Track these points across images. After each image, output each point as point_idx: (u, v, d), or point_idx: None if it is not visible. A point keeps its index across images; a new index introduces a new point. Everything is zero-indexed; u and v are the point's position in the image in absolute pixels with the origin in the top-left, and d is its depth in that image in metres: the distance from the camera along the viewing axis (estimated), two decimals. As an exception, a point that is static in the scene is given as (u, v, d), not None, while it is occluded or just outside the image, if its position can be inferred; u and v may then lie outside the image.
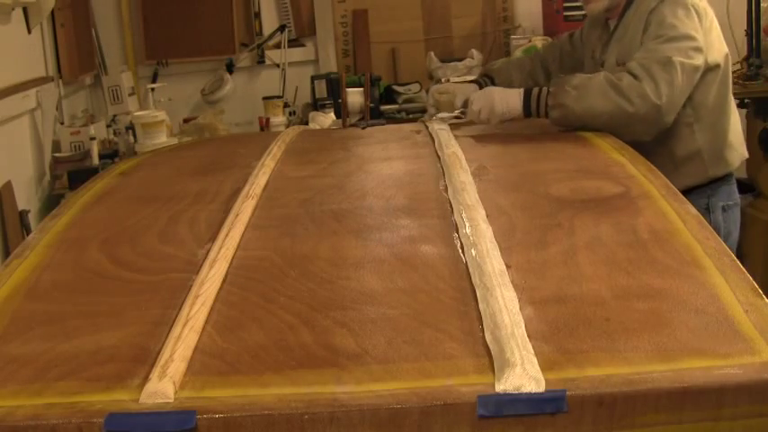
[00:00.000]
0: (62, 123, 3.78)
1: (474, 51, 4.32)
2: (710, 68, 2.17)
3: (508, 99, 2.19)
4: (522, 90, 2.20)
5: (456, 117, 2.44)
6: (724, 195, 2.29)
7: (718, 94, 2.22)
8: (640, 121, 2.03)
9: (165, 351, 1.09)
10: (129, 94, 4.34)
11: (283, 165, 1.96)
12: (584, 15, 2.58)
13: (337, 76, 4.05)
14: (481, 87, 2.45)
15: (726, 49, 2.24)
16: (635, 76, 2.02)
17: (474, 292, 1.20)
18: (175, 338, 1.12)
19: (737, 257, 1.27)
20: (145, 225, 1.60)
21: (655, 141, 2.08)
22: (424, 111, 3.08)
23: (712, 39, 2.18)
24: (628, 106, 2.01)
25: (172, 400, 1.01)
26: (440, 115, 2.35)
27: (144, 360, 1.09)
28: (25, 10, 3.43)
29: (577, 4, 3.74)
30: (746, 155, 2.36)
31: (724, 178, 2.29)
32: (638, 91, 2.01)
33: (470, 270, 1.26)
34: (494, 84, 2.51)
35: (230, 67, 4.50)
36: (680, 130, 2.19)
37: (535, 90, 2.17)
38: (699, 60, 2.09)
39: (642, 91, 2.00)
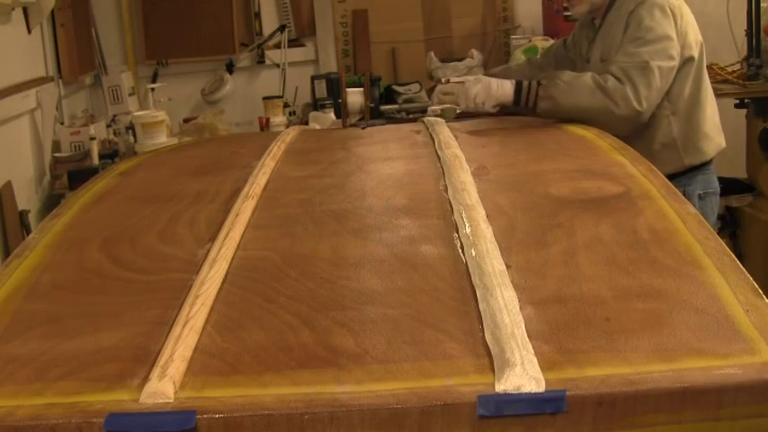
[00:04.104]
0: (62, 123, 3.78)
1: (474, 51, 4.31)
2: (686, 60, 2.31)
3: (501, 85, 2.33)
4: (514, 81, 2.35)
5: (457, 117, 2.48)
6: (700, 184, 2.42)
7: (694, 86, 2.36)
8: (622, 120, 2.20)
9: (165, 351, 1.09)
10: (129, 94, 4.34)
11: (283, 165, 1.96)
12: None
13: (337, 76, 4.05)
14: None
15: (701, 38, 2.38)
16: (618, 80, 2.19)
17: (474, 292, 1.20)
18: (175, 338, 1.12)
19: (737, 257, 1.27)
20: (145, 225, 1.60)
21: (633, 132, 2.22)
22: (424, 111, 3.09)
23: (688, 34, 2.31)
24: (613, 107, 2.19)
25: (172, 400, 1.01)
26: (434, 117, 2.38)
27: (144, 360, 1.09)
28: (25, 10, 3.44)
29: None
30: (723, 144, 2.47)
31: (701, 167, 2.42)
32: (622, 94, 2.18)
33: (470, 270, 1.26)
34: None
35: (230, 67, 4.50)
36: (658, 122, 2.34)
37: (526, 82, 2.32)
38: (674, 61, 2.26)
39: (625, 94, 2.18)
